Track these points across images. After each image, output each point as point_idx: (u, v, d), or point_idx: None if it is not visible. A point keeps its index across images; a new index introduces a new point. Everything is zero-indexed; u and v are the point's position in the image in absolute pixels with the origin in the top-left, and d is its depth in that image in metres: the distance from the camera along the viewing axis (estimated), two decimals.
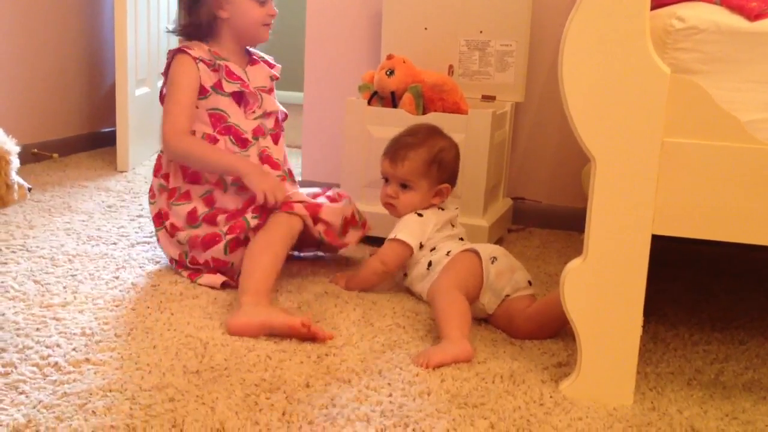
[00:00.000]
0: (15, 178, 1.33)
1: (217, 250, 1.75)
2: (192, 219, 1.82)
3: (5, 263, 1.83)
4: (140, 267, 1.88)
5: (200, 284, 1.77)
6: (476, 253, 1.64)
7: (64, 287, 1.71)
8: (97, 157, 3.26)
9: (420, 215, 1.77)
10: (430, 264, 1.72)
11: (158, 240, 1.91)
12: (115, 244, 2.06)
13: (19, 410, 1.17)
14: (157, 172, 1.94)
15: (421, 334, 1.56)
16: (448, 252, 1.71)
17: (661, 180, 1.22)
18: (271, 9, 1.92)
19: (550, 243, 2.29)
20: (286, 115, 2.03)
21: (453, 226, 1.83)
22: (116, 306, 1.62)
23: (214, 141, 1.86)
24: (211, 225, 1.80)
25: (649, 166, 1.22)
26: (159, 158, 1.94)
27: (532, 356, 1.48)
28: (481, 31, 2.33)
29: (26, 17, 3.01)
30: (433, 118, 2.07)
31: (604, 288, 1.27)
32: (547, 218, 2.47)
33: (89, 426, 1.13)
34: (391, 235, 1.75)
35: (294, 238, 1.76)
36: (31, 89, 3.07)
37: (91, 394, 1.23)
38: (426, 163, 1.77)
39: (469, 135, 2.05)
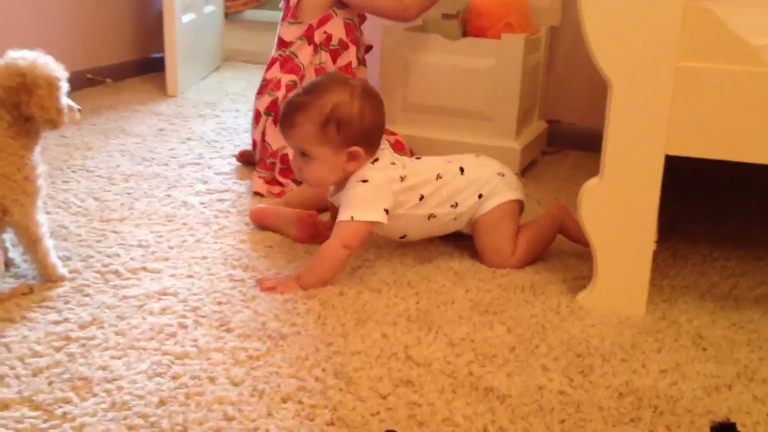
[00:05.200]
0: (65, 101, 1.43)
1: None
2: None
3: (67, 182, 1.98)
4: (190, 186, 2.01)
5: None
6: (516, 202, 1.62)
7: (122, 204, 1.85)
8: (148, 82, 3.38)
9: (365, 181, 1.49)
10: (431, 216, 1.57)
11: (264, 129, 2.04)
12: (166, 164, 2.19)
13: (84, 310, 1.32)
14: (292, 69, 2.06)
15: (450, 249, 1.66)
16: (455, 204, 1.57)
17: (674, 103, 1.28)
18: None
19: (584, 165, 2.35)
20: (371, 46, 2.23)
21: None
22: (169, 221, 1.75)
23: (346, 47, 2.07)
24: None
25: (663, 89, 1.28)
26: (288, 58, 2.07)
27: (554, 270, 1.57)
28: None
29: None
30: (463, 44, 2.14)
31: (619, 205, 1.35)
32: (582, 140, 2.52)
33: (146, 324, 1.28)
34: (345, 216, 1.47)
35: None
36: (84, 16, 3.18)
37: (147, 297, 1.37)
38: (318, 126, 1.46)
39: (501, 60, 2.11)
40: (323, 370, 1.17)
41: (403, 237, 1.59)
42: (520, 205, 1.64)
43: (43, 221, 1.41)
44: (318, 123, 1.46)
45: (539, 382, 1.16)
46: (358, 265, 1.55)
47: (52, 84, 1.37)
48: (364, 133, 1.48)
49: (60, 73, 1.41)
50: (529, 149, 2.25)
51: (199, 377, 1.14)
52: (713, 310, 1.43)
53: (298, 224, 1.66)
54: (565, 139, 2.55)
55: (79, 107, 1.47)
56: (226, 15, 4.16)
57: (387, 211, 1.48)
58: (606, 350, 1.25)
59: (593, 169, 1.38)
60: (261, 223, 1.73)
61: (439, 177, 1.56)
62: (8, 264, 1.46)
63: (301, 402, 1.09)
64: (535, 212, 1.91)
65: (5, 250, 1.44)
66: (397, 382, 1.15)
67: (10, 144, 1.35)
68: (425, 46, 2.19)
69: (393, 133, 2.12)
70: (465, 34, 2.22)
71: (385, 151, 1.55)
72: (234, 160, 2.25)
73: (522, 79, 2.12)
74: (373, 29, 2.32)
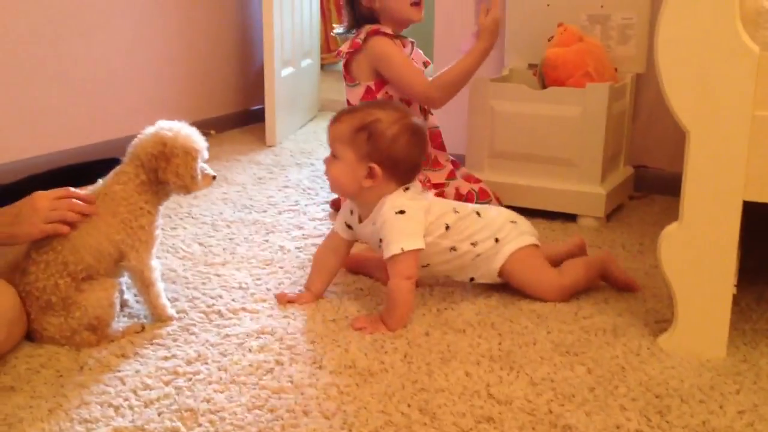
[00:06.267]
0: (201, 168, 1.56)
1: None
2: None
3: (175, 228, 2.14)
4: (286, 231, 2.13)
5: None
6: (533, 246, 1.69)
7: (224, 249, 1.99)
8: (248, 133, 3.57)
9: (402, 212, 1.54)
10: (453, 249, 1.63)
11: None
12: (265, 211, 2.33)
13: (190, 347, 1.44)
14: None
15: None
16: (474, 243, 1.63)
17: (751, 150, 1.31)
18: None
19: (671, 210, 2.34)
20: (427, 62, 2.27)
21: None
22: (267, 265, 1.87)
23: (408, 104, 2.10)
24: None
25: (740, 137, 1.31)
26: None
27: (635, 313, 1.60)
28: (602, 6, 2.42)
29: (185, 8, 3.33)
30: (549, 93, 2.21)
31: (699, 250, 1.38)
32: (670, 185, 2.51)
33: (246, 360, 1.38)
34: (395, 249, 1.51)
35: None
36: (191, 72, 3.41)
37: (247, 335, 1.48)
38: (353, 129, 1.54)
39: (586, 108, 2.16)
40: (409, 405, 1.24)
41: (426, 266, 1.64)
42: (537, 249, 1.70)
43: (156, 266, 1.54)
44: (355, 127, 1.54)
45: (617, 421, 1.20)
46: (444, 306, 1.62)
47: (188, 153, 1.51)
48: (390, 157, 1.53)
49: (199, 144, 1.55)
50: (614, 194, 2.28)
51: (293, 410, 1.23)
52: None
53: (384, 268, 1.75)
54: (652, 184, 2.57)
55: (215, 174, 1.60)
56: (322, 66, 4.34)
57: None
58: (684, 391, 1.28)
59: (679, 214, 1.41)
60: (352, 269, 1.83)
61: (455, 211, 1.64)
62: (123, 304, 1.60)
63: None
64: (618, 256, 1.95)
65: (121, 292, 1.58)
66: (479, 419, 1.21)
67: (133, 196, 1.49)
68: (511, 95, 2.27)
69: (477, 181, 2.19)
70: (544, 87, 2.29)
71: (416, 183, 1.61)
72: (327, 207, 2.36)
73: (607, 126, 2.17)
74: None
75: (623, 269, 1.76)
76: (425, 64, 2.22)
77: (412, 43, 2.21)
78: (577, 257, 1.78)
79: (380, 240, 1.55)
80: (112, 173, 1.53)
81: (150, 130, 1.53)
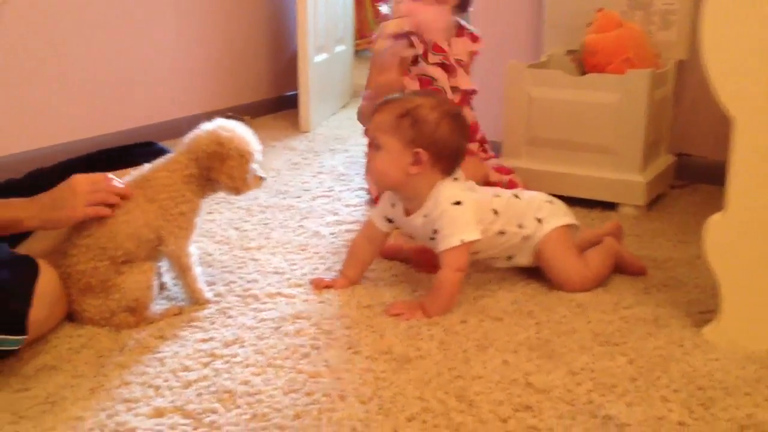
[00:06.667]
0: (254, 170, 1.56)
1: None
2: None
3: (211, 213, 2.14)
4: (321, 217, 2.13)
5: None
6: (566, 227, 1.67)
7: (259, 233, 1.99)
8: (282, 119, 3.57)
9: (458, 203, 1.52)
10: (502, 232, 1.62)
11: None
12: (299, 197, 2.33)
13: (227, 330, 1.44)
14: None
15: None
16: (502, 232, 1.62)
17: None
18: None
19: (713, 198, 2.30)
20: (474, 91, 2.16)
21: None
22: (302, 250, 1.87)
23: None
24: None
25: None
26: None
27: (678, 304, 1.57)
28: None
29: (222, 1, 3.34)
30: (588, 79, 2.17)
31: (744, 239, 1.35)
32: (713, 174, 2.47)
33: (282, 344, 1.38)
34: (454, 240, 1.51)
35: None
36: (225, 59, 3.41)
37: (283, 319, 1.48)
38: (396, 116, 1.51)
39: (626, 94, 2.12)
40: (446, 392, 1.23)
41: (476, 253, 1.60)
42: (574, 230, 1.69)
43: (193, 252, 1.54)
44: (397, 114, 1.51)
45: (659, 413, 1.17)
46: (481, 294, 1.61)
47: (243, 156, 1.52)
48: (435, 142, 1.51)
49: (254, 147, 1.55)
50: (655, 183, 2.24)
51: (330, 395, 1.22)
52: None
53: (418, 255, 1.73)
54: (695, 172, 2.52)
55: (265, 176, 1.60)
56: (356, 52, 4.33)
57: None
58: (729, 383, 1.25)
59: (722, 203, 1.38)
60: (387, 256, 1.81)
61: (496, 195, 1.63)
62: (161, 287, 1.60)
63: (425, 422, 1.15)
64: (660, 246, 1.91)
65: (159, 276, 1.58)
66: (516, 407, 1.19)
67: (177, 184, 1.50)
68: (549, 81, 2.23)
69: (509, 172, 2.15)
70: (583, 73, 2.25)
71: (460, 172, 1.58)
72: (362, 193, 2.36)
73: (648, 113, 2.13)
74: (491, 67, 2.39)
75: (630, 251, 1.78)
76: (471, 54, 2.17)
77: (467, 33, 2.15)
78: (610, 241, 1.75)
79: (434, 231, 1.54)
80: (162, 159, 1.54)
81: (208, 126, 1.54)
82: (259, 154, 1.57)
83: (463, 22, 2.17)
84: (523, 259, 1.67)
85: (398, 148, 1.51)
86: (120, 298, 1.44)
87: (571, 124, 2.22)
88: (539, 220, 1.63)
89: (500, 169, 2.15)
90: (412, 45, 2.05)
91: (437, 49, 2.08)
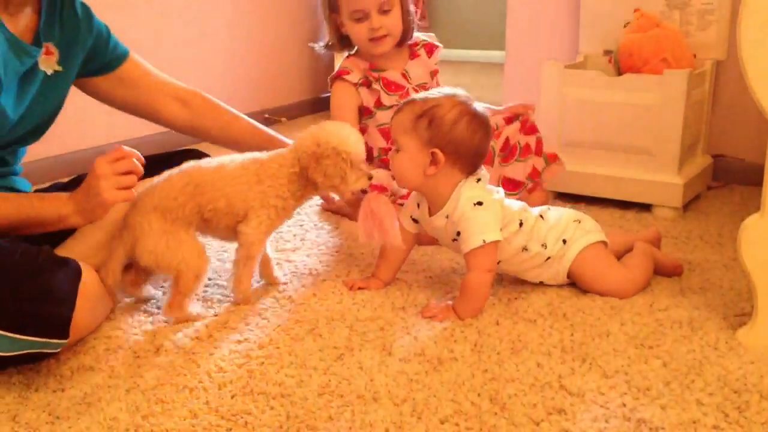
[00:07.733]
0: (357, 169, 1.57)
1: None
2: None
3: None
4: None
5: None
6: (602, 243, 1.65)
7: (294, 235, 2.01)
8: (319, 120, 3.56)
9: (479, 204, 1.51)
10: (524, 249, 1.60)
11: None
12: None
13: (262, 331, 1.46)
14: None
15: None
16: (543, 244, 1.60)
17: None
18: (372, 23, 1.93)
19: (751, 200, 2.28)
20: None
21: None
22: (336, 252, 1.88)
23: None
24: None
25: None
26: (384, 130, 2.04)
27: (713, 307, 1.55)
28: None
29: (256, 4, 3.38)
30: (624, 80, 2.16)
31: None
32: (750, 175, 2.44)
33: (317, 345, 1.40)
34: (477, 241, 1.50)
35: None
36: (265, 63, 3.45)
37: (317, 321, 1.49)
38: (414, 117, 1.51)
39: (663, 95, 2.10)
40: (479, 395, 1.23)
41: (499, 261, 1.59)
42: (604, 247, 1.65)
43: (264, 249, 1.60)
44: (415, 114, 1.51)
45: (693, 416, 1.17)
46: (514, 296, 1.61)
47: (339, 155, 1.54)
48: (452, 141, 1.49)
49: (352, 146, 1.56)
50: (692, 184, 2.21)
51: (363, 396, 1.23)
52: None
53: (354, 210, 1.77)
54: (732, 173, 2.49)
55: (372, 174, 1.61)
56: None
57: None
58: (764, 387, 1.23)
59: (760, 205, 1.37)
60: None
61: (525, 209, 1.61)
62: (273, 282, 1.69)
63: (457, 424, 1.16)
64: (696, 247, 1.90)
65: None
66: (550, 410, 1.19)
67: (282, 179, 1.55)
68: (585, 82, 2.22)
69: (535, 130, 2.01)
70: (620, 74, 2.24)
71: (485, 174, 1.56)
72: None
73: (685, 114, 2.11)
74: (528, 68, 2.39)
75: (664, 252, 1.78)
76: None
77: (421, 50, 2.04)
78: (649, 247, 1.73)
79: (457, 233, 1.54)
80: (275, 152, 1.60)
81: (313, 128, 1.58)
82: (361, 154, 1.58)
83: (416, 37, 2.04)
84: (553, 281, 1.65)
85: (416, 149, 1.51)
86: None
87: (607, 124, 2.20)
88: (564, 242, 1.61)
89: (526, 129, 1.99)
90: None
91: (392, 88, 2.00)
